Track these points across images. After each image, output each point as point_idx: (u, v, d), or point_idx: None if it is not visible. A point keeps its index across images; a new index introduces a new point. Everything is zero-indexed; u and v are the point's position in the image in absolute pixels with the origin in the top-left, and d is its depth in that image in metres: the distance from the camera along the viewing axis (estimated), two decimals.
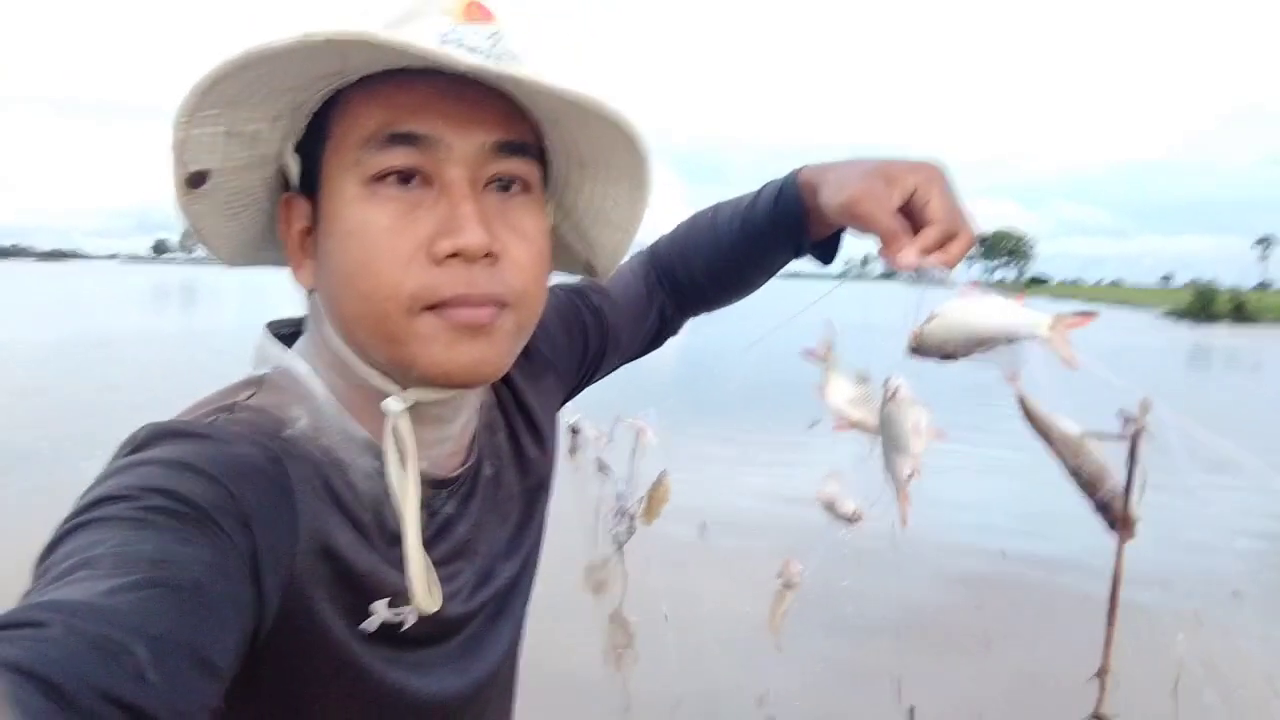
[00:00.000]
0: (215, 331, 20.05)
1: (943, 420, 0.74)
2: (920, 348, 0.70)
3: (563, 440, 1.03)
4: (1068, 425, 0.65)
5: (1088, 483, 0.64)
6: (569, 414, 1.08)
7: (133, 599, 0.46)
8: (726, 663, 3.69)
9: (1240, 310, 39.55)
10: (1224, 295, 41.30)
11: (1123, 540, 0.62)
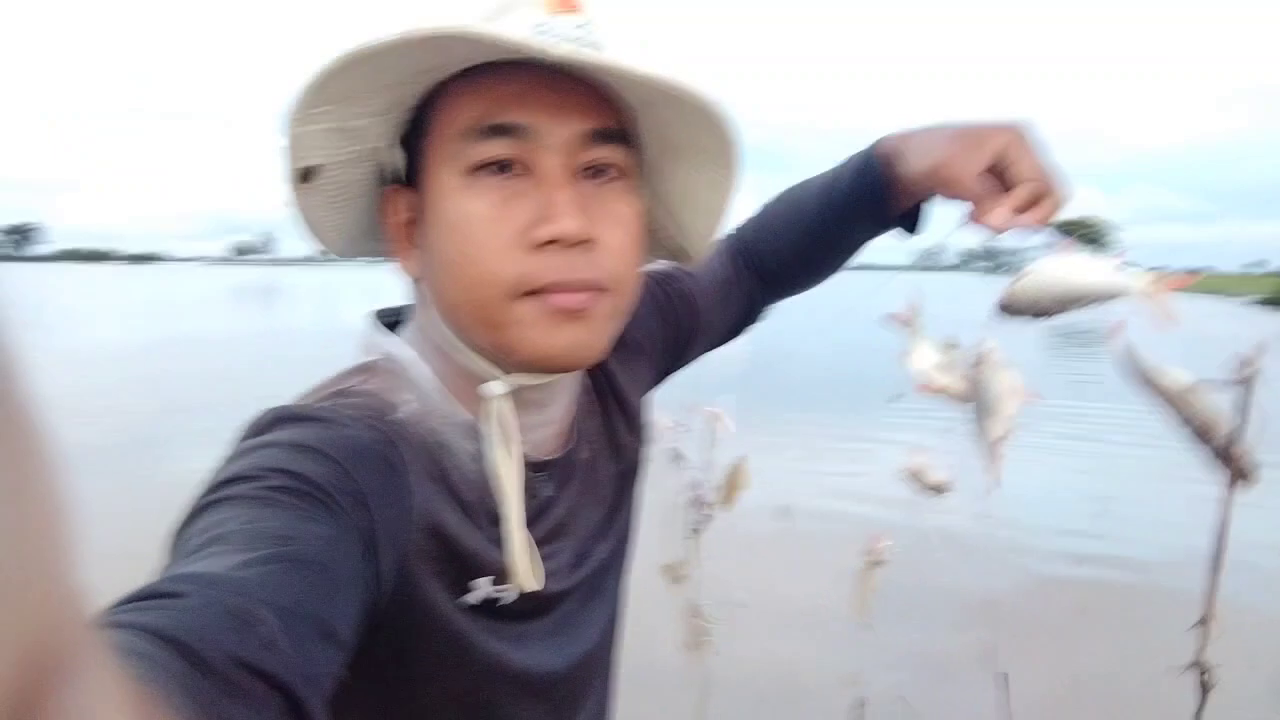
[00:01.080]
0: (293, 330, 20.66)
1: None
2: (1011, 306, 0.70)
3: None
4: (1177, 375, 0.64)
5: (1199, 432, 0.63)
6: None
7: (262, 572, 0.49)
8: (807, 646, 3.68)
9: None
10: None
11: (1234, 485, 0.61)
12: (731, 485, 2.20)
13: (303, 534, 0.53)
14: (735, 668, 3.52)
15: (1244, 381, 0.59)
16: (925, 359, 0.85)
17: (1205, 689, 0.66)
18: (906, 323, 0.86)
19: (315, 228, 0.75)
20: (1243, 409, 0.60)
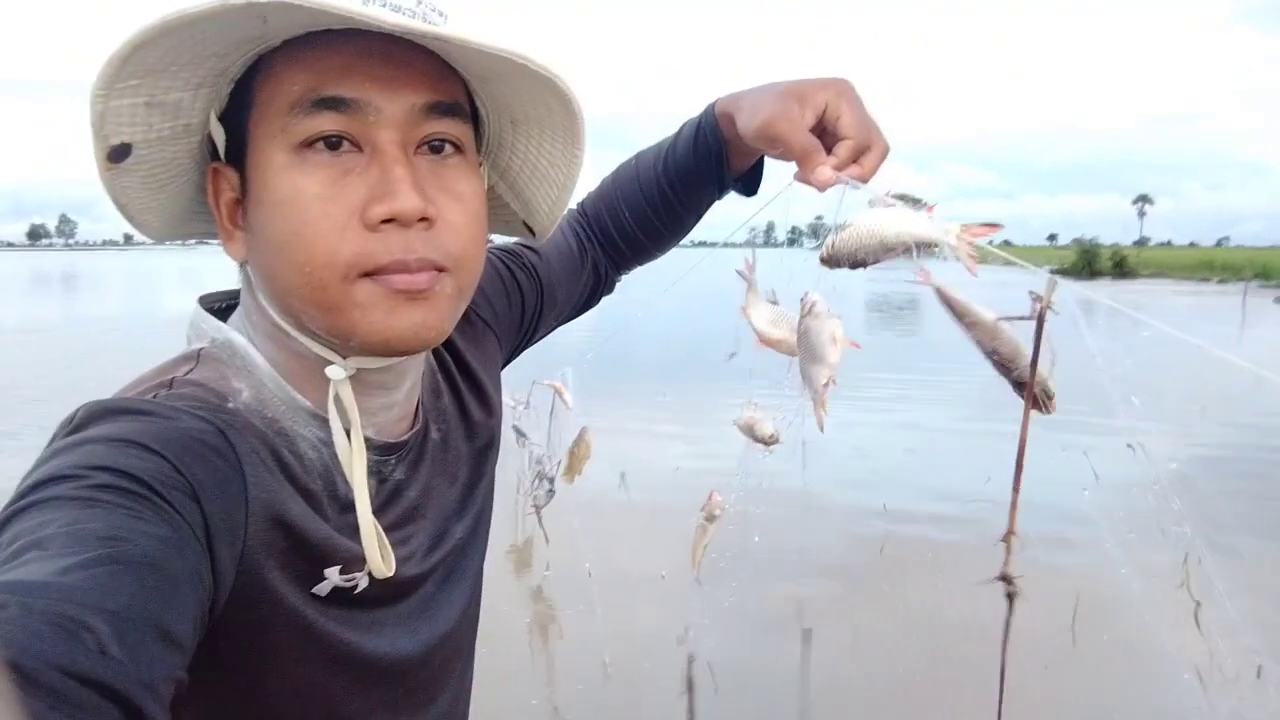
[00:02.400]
0: (101, 318, 19.13)
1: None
2: (833, 258, 0.73)
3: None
4: (983, 311, 0.71)
5: (1003, 363, 0.70)
6: None
7: (88, 575, 0.46)
8: (648, 610, 3.78)
9: (1121, 266, 41.51)
10: (1106, 253, 43.29)
11: (1028, 409, 0.69)
12: (575, 458, 2.21)
13: (131, 533, 0.50)
14: (582, 639, 3.58)
15: (1038, 317, 0.67)
16: (761, 314, 0.90)
17: (1011, 599, 0.74)
18: (746, 277, 0.90)
19: (130, 210, 0.69)
20: (1036, 339, 0.68)
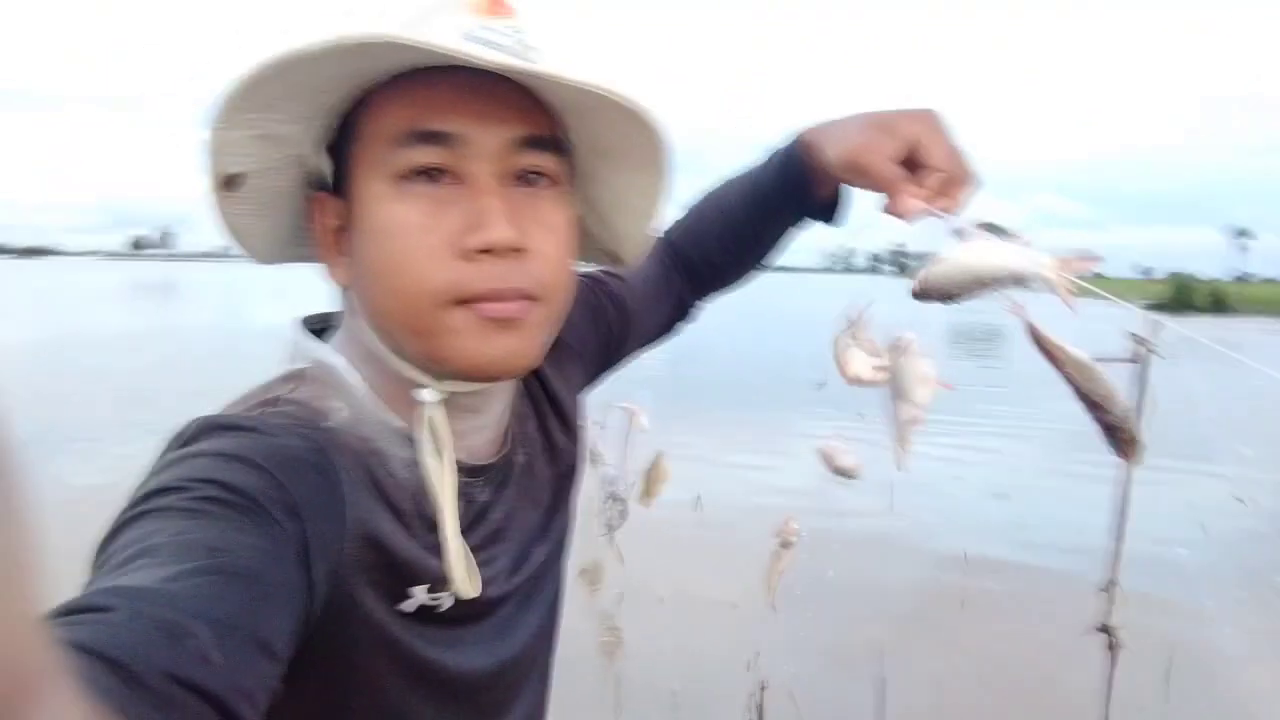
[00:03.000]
0: (194, 328, 19.94)
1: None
2: (924, 291, 0.72)
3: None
4: (1077, 351, 0.67)
5: (1096, 406, 0.67)
6: None
7: (193, 584, 0.48)
8: (718, 637, 3.72)
9: (1220, 302, 39.85)
10: (1203, 287, 41.58)
11: (1128, 459, 0.65)
12: (651, 481, 2.20)
13: (234, 545, 0.52)
14: (649, 662, 3.55)
15: (1139, 360, 0.63)
16: (856, 360, 0.86)
17: (1114, 650, 0.70)
18: (853, 322, 0.87)
19: (239, 235, 0.73)
20: (1136, 387, 0.64)
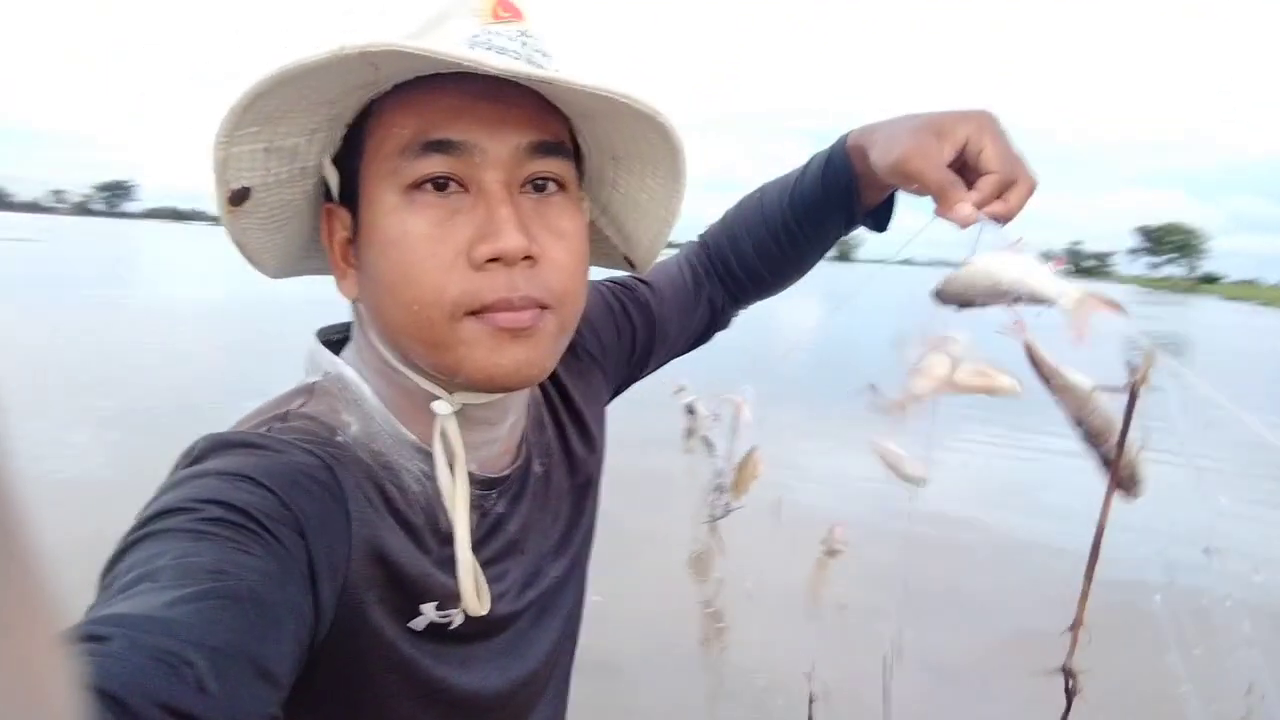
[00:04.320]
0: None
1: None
2: (942, 294, 0.70)
3: (680, 421, 1.04)
4: (1076, 377, 0.64)
5: (1092, 435, 0.63)
6: (685, 394, 1.09)
7: (192, 610, 0.48)
8: (781, 636, 3.65)
9: None
10: None
11: (1110, 493, 0.61)
12: (743, 476, 2.17)
13: (237, 567, 0.52)
14: (740, 660, 3.52)
15: (1130, 390, 0.59)
16: (929, 378, 0.83)
17: (1070, 696, 0.65)
18: (935, 347, 0.83)
19: (249, 250, 0.72)
20: (1127, 418, 0.60)
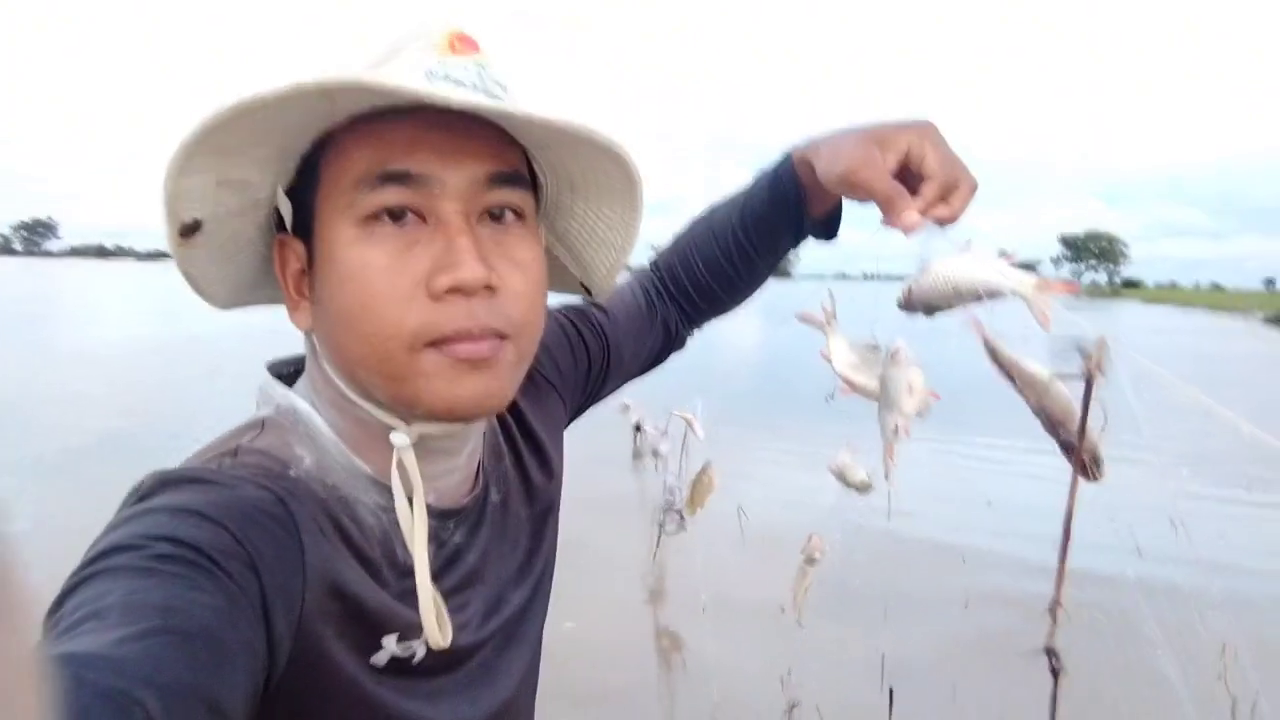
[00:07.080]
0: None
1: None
2: (909, 302, 0.72)
3: (628, 440, 1.05)
4: (1034, 367, 0.67)
5: (1053, 422, 0.66)
6: (632, 412, 1.10)
7: (141, 648, 0.47)
8: (757, 647, 3.67)
9: None
10: None
11: (1076, 476, 0.64)
12: (698, 491, 2.21)
13: (187, 604, 0.51)
14: (692, 668, 3.52)
15: (1087, 377, 0.62)
16: (841, 357, 0.87)
17: (1056, 674, 0.69)
18: (822, 322, 0.88)
19: (198, 283, 0.71)
20: (1085, 403, 0.64)
